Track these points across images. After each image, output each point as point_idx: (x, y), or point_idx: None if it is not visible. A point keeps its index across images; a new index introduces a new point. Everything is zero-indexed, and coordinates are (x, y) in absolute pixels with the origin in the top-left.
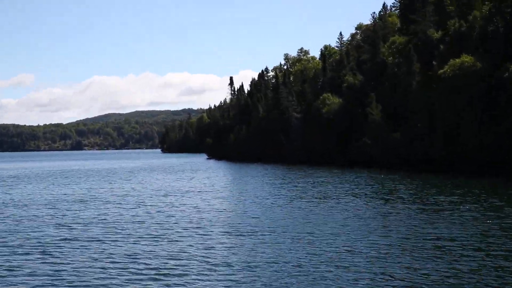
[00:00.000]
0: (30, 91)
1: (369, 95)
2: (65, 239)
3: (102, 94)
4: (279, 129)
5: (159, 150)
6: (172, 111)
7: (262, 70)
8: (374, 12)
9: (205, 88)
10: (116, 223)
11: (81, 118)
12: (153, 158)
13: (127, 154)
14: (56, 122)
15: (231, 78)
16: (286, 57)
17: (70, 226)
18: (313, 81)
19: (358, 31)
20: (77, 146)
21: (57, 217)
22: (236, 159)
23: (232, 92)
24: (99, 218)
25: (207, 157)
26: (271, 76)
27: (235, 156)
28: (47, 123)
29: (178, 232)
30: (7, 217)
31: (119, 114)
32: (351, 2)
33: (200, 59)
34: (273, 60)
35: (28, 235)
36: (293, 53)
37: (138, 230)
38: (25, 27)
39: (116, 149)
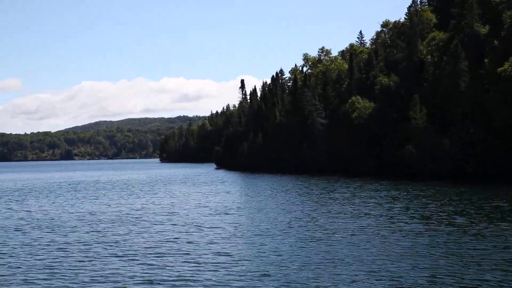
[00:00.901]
0: (17, 97)
1: (412, 96)
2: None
3: (92, 101)
4: (300, 136)
5: (154, 159)
6: (167, 118)
7: (277, 72)
8: (412, 6)
9: (201, 95)
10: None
11: (70, 126)
12: (155, 168)
13: (123, 164)
14: (44, 130)
15: (242, 81)
16: (306, 58)
17: (124, 255)
18: (336, 83)
19: (384, 29)
20: (67, 156)
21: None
22: (250, 169)
23: (243, 96)
24: (158, 242)
25: (216, 167)
26: (286, 78)
27: (249, 166)
28: (34, 131)
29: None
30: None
31: (110, 122)
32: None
33: (196, 64)
34: (276, 64)
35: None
36: (313, 53)
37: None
38: (12, 29)
39: (108, 158)
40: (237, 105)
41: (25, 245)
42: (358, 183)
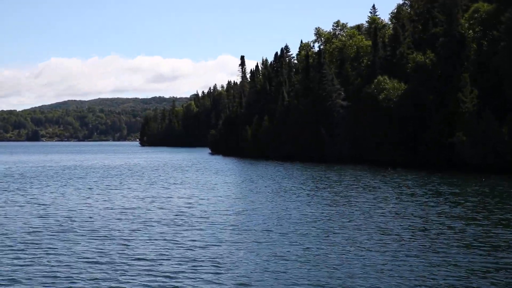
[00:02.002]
0: None
1: (453, 76)
2: None
3: (60, 79)
4: (314, 120)
5: (131, 142)
6: (141, 99)
7: (282, 49)
8: None
9: (177, 75)
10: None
11: (36, 105)
12: (140, 152)
13: (101, 147)
14: (7, 109)
15: (242, 58)
16: (318, 32)
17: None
18: (355, 61)
19: (406, 1)
20: (34, 137)
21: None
22: (254, 156)
23: (243, 75)
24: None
25: (211, 152)
26: (293, 56)
27: (253, 152)
28: None
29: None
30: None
31: (80, 102)
32: None
33: (174, 42)
34: (261, 44)
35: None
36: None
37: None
38: None
39: (79, 140)
40: (225, 85)
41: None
42: (393, 175)
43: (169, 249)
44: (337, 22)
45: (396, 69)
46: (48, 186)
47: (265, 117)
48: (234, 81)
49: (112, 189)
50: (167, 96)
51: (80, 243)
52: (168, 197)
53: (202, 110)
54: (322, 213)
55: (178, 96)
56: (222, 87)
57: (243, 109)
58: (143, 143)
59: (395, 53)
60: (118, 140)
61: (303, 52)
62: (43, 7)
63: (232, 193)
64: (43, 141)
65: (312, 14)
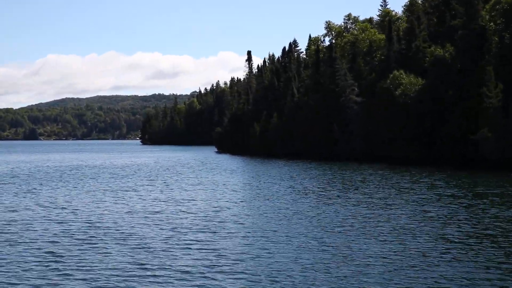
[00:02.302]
0: None
1: (475, 70)
2: None
3: (57, 76)
4: (325, 117)
5: (132, 141)
6: (141, 96)
7: (290, 43)
8: None
9: (178, 71)
10: None
11: (33, 103)
12: (143, 151)
13: (101, 145)
14: (4, 107)
15: (249, 53)
16: (329, 26)
17: None
18: (367, 55)
19: None
20: (31, 136)
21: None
22: (262, 154)
23: (249, 71)
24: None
25: (217, 150)
26: (302, 51)
27: (260, 150)
28: None
29: None
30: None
31: (78, 99)
32: None
33: (173, 38)
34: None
35: None
36: (337, 21)
37: None
38: None
39: (77, 139)
40: (228, 82)
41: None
42: (421, 174)
43: (211, 259)
44: (349, 16)
45: (412, 63)
46: (59, 188)
47: (274, 114)
48: (237, 78)
49: (128, 191)
50: (167, 93)
51: (111, 254)
52: (191, 199)
53: (205, 107)
54: (365, 217)
55: (178, 93)
56: (225, 83)
57: (250, 106)
58: (144, 142)
59: (410, 47)
60: (118, 138)
61: (313, 47)
62: (41, 3)
63: (257, 195)
64: (40, 139)
65: (320, 8)
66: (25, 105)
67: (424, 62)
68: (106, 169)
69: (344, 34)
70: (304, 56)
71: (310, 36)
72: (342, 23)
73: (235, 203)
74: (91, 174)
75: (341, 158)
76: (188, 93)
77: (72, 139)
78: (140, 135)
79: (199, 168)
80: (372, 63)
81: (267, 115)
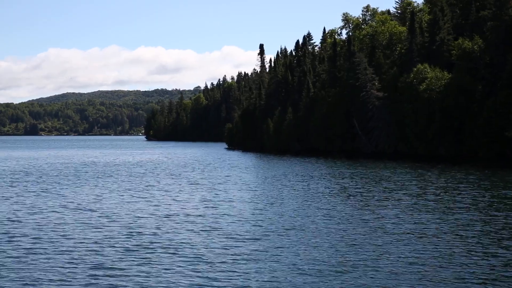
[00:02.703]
0: None
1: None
2: None
3: (58, 70)
4: (344, 112)
5: (135, 136)
6: (143, 91)
7: (304, 36)
8: None
9: (181, 66)
10: None
11: (34, 98)
12: (153, 147)
13: (106, 141)
14: (4, 102)
15: (261, 46)
16: (346, 18)
17: None
18: (387, 48)
19: None
20: (32, 131)
21: None
22: (276, 151)
23: (261, 65)
24: None
25: (227, 147)
26: (316, 45)
27: (274, 147)
28: None
29: None
30: None
31: (79, 94)
32: None
33: (176, 32)
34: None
35: None
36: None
37: None
38: None
39: (79, 134)
40: (235, 77)
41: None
42: (453, 172)
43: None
44: (367, 7)
45: (435, 57)
46: (79, 187)
47: (289, 109)
48: (245, 72)
49: (156, 191)
50: (170, 88)
51: (166, 267)
52: (229, 201)
53: (211, 103)
54: (441, 223)
55: (181, 89)
56: (233, 78)
57: (263, 101)
58: (149, 138)
59: (434, 40)
60: (120, 134)
61: (329, 40)
62: None
63: (294, 195)
64: (41, 135)
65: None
66: (25, 100)
67: (449, 56)
68: (121, 166)
69: (363, 26)
70: (318, 50)
71: (324, 29)
72: (360, 15)
73: (276, 206)
74: (109, 172)
75: (361, 155)
76: (192, 88)
77: (74, 135)
78: (143, 131)
79: (218, 166)
80: (393, 57)
81: (282, 111)
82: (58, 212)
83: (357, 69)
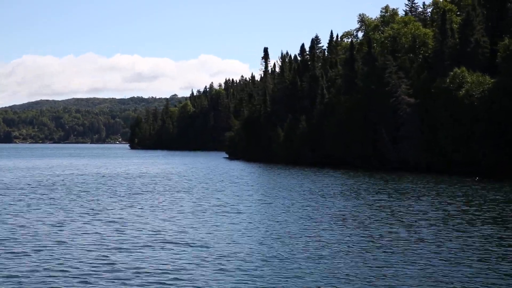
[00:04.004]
0: None
1: None
2: None
3: (32, 77)
4: (365, 120)
5: (115, 145)
6: (119, 99)
7: (312, 39)
8: None
9: (157, 74)
10: None
11: (6, 105)
12: (144, 157)
13: (90, 150)
14: None
15: (265, 50)
16: (362, 19)
17: None
18: (410, 51)
19: None
20: (6, 139)
21: None
22: (286, 161)
23: (265, 70)
24: None
25: (228, 156)
26: (324, 48)
27: (286, 157)
28: None
29: None
30: None
31: (53, 101)
32: None
33: (153, 40)
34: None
35: None
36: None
37: None
38: None
39: (55, 142)
40: (223, 84)
41: None
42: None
43: None
44: (386, 8)
45: (468, 59)
46: (101, 200)
47: (302, 117)
48: (232, 79)
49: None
50: (146, 96)
51: None
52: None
53: (199, 111)
54: None
55: (157, 96)
56: (220, 85)
57: (269, 108)
58: (133, 146)
59: (468, 41)
60: (97, 142)
61: (344, 42)
62: (17, 3)
63: (343, 216)
64: (16, 142)
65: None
66: None
67: (484, 58)
68: (129, 179)
69: (384, 28)
70: (322, 53)
71: (332, 33)
72: (379, 16)
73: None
74: (116, 184)
75: (383, 165)
76: (168, 96)
77: (49, 143)
78: (120, 139)
79: (235, 180)
80: (418, 60)
81: (294, 119)
82: (101, 234)
83: (386, 72)
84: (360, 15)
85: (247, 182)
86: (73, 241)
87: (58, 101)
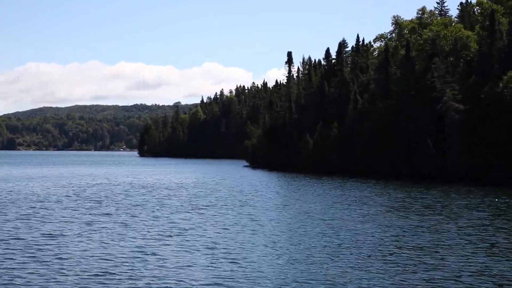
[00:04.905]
0: None
1: None
2: None
3: (37, 85)
4: (403, 127)
5: (127, 152)
6: (122, 106)
7: (340, 43)
8: None
9: (160, 82)
10: None
11: (9, 112)
12: (159, 165)
13: (99, 157)
14: None
15: (289, 54)
16: (396, 21)
17: None
18: (451, 55)
19: None
20: (10, 145)
21: None
22: (314, 171)
23: (288, 74)
24: None
25: (248, 165)
26: (349, 52)
27: (314, 167)
28: None
29: None
30: None
31: (56, 109)
32: None
33: (157, 48)
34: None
35: None
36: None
37: None
38: None
39: (58, 149)
40: (233, 91)
41: None
42: None
43: None
44: (422, 9)
45: None
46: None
47: (334, 123)
48: (243, 86)
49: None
50: (149, 103)
51: None
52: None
53: (210, 118)
54: None
55: (160, 104)
56: (231, 91)
57: (295, 115)
58: (142, 154)
59: None
60: (101, 149)
61: (378, 45)
62: (21, 10)
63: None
64: (20, 149)
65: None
66: (0, 114)
67: None
68: (172, 190)
69: (421, 30)
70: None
71: (358, 37)
72: (415, 18)
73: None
74: (169, 198)
75: (425, 176)
76: (171, 104)
77: (53, 150)
78: (124, 146)
79: (284, 192)
80: (461, 64)
81: (325, 126)
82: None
83: (433, 76)
84: (394, 17)
85: (301, 198)
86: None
87: (61, 108)
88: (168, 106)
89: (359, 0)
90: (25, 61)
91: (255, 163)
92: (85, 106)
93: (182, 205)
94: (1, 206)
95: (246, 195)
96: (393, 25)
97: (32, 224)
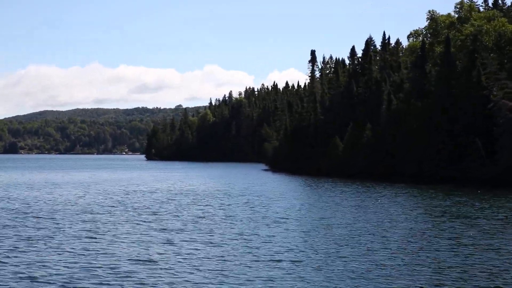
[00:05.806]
0: None
1: None
2: None
3: (37, 88)
4: (445, 128)
5: (133, 156)
6: (123, 109)
7: (367, 41)
8: None
9: (161, 85)
10: None
11: (10, 116)
12: (171, 169)
13: (106, 161)
14: None
15: (313, 53)
16: (432, 17)
17: None
18: (495, 51)
19: None
20: (12, 149)
21: None
22: (341, 175)
23: (312, 74)
24: None
25: (267, 168)
26: (378, 49)
27: (343, 171)
28: None
29: None
30: None
31: (58, 112)
32: None
33: (158, 51)
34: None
35: None
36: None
37: None
38: None
39: (60, 153)
40: (242, 93)
41: None
42: None
43: None
44: (461, 3)
45: None
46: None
47: (367, 125)
48: (252, 87)
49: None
50: (150, 106)
51: None
52: None
53: (219, 120)
54: None
55: (162, 107)
56: (240, 93)
57: (321, 116)
58: (150, 157)
59: None
60: (103, 153)
61: (415, 41)
62: (23, 13)
63: None
64: (21, 153)
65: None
66: (1, 117)
67: None
68: (200, 196)
69: (461, 25)
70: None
71: (384, 34)
72: (453, 12)
73: None
74: (204, 206)
75: (470, 180)
76: (173, 107)
77: (55, 153)
78: (126, 150)
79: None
80: (506, 60)
81: (356, 127)
82: None
83: (484, 73)
84: (429, 11)
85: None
86: None
87: (62, 111)
88: (170, 109)
89: (359, 0)
90: (26, 64)
91: (275, 167)
92: (86, 110)
93: (253, 218)
94: (66, 218)
95: (279, 206)
96: (428, 21)
97: (124, 249)
